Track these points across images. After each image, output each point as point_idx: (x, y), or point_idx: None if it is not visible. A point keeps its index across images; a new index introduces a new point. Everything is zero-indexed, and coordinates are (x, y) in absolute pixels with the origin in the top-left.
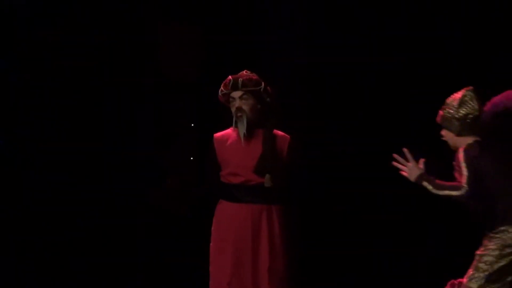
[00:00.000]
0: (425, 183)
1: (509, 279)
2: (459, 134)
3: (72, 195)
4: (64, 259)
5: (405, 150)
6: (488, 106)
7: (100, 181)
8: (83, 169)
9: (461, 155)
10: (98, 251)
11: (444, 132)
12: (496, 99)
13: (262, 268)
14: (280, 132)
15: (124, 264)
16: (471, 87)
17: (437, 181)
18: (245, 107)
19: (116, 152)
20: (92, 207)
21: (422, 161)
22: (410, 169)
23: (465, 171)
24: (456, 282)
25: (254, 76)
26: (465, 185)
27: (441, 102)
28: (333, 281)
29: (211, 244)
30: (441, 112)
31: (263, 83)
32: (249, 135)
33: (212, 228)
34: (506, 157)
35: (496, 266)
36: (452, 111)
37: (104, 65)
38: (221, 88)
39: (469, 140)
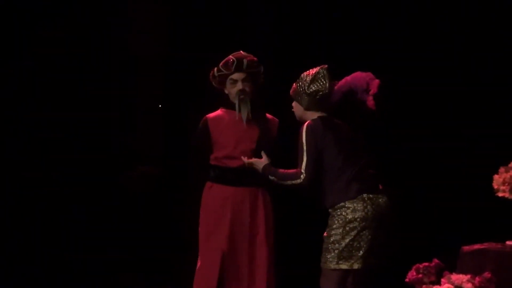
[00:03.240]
0: (270, 176)
1: (360, 253)
2: (307, 108)
3: (39, 177)
4: (30, 242)
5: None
6: (338, 85)
7: (68, 161)
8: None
9: (303, 132)
10: (66, 235)
11: (294, 104)
12: (345, 79)
13: (259, 251)
14: (269, 115)
15: (92, 246)
16: (325, 66)
17: (280, 171)
18: (247, 89)
19: (85, 134)
20: (60, 190)
21: (263, 154)
22: (255, 164)
23: (304, 155)
24: (421, 266)
25: (255, 58)
26: (303, 171)
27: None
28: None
29: (200, 229)
30: (294, 85)
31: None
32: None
33: (202, 212)
34: (346, 135)
35: (343, 243)
36: (303, 86)
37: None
38: (220, 68)
39: (315, 115)
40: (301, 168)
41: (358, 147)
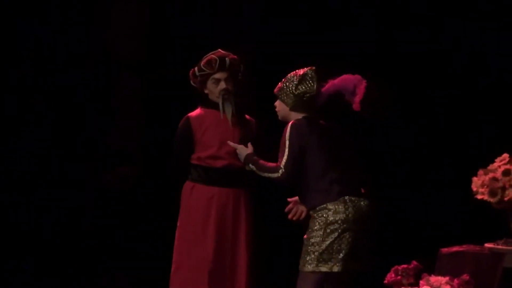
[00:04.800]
0: (251, 165)
1: (340, 256)
2: (292, 108)
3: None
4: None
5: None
6: (325, 87)
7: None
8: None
9: (288, 130)
10: (51, 235)
11: (277, 103)
12: (333, 81)
13: (240, 252)
14: (247, 116)
15: (77, 248)
16: (313, 67)
17: (261, 162)
18: (230, 88)
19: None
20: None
21: (249, 144)
22: (239, 150)
23: (286, 151)
24: (399, 268)
25: (235, 56)
26: (282, 167)
27: None
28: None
29: (180, 230)
30: (280, 84)
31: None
32: (232, 117)
33: (184, 212)
34: (331, 136)
35: (324, 245)
36: (291, 86)
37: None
38: (202, 67)
39: (300, 116)
40: (280, 163)
41: (342, 149)
